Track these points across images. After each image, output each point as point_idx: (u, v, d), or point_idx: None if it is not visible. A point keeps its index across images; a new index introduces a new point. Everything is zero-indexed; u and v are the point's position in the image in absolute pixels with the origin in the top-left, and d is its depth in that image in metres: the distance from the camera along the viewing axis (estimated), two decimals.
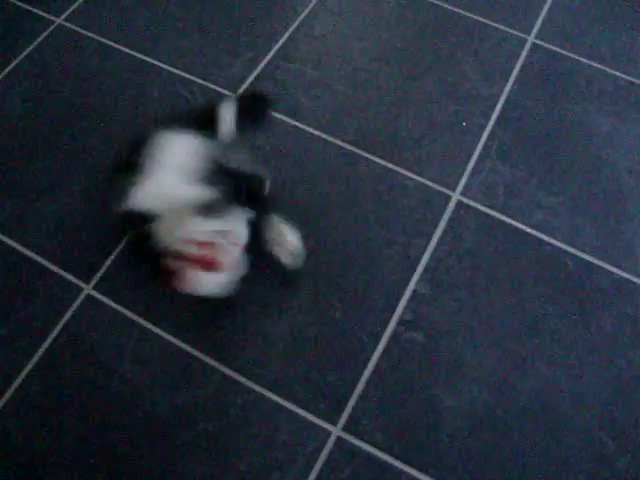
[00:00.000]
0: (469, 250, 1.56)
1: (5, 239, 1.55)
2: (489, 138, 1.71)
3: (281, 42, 1.88)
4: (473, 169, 1.67)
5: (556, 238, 1.58)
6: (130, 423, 1.35)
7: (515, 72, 1.82)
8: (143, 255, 1.33)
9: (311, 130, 1.71)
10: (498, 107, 1.76)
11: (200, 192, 1.29)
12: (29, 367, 1.40)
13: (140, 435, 1.34)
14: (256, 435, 1.36)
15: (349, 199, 1.62)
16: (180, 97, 1.77)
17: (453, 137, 1.72)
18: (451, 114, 1.75)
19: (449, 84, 1.80)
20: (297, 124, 1.72)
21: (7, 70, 1.82)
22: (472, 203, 1.62)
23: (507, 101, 1.77)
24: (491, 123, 1.73)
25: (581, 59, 1.88)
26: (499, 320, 1.48)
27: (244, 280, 1.49)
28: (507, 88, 1.79)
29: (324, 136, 1.71)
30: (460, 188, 1.64)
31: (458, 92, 1.79)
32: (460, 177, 1.65)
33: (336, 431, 1.36)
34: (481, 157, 1.68)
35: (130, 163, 1.34)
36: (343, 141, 1.70)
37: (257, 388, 1.40)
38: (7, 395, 1.38)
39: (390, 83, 1.81)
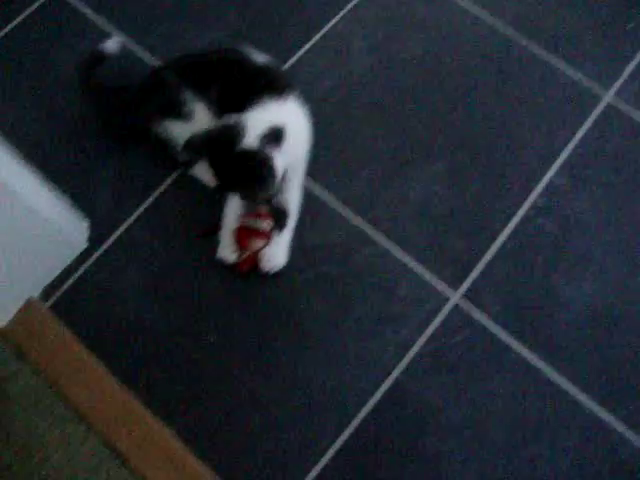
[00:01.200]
0: (612, 152, 1.51)
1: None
2: None
3: None
4: (631, 74, 1.59)
5: None
6: None
7: None
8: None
9: (469, 7, 1.66)
10: None
11: None
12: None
13: None
14: (376, 286, 1.39)
15: (498, 80, 1.58)
16: None
17: (616, 38, 1.64)
18: (618, 14, 1.66)
19: None
20: None
21: None
22: (624, 107, 1.56)
23: None
24: None
25: None
26: (633, 225, 1.45)
27: (385, 139, 1.50)
28: None
29: (481, 14, 1.65)
30: (614, 90, 1.58)
31: None
32: (616, 79, 1.59)
33: (455, 297, 1.38)
34: None
35: None
36: (500, 22, 1.64)
37: (385, 242, 1.42)
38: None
39: None
